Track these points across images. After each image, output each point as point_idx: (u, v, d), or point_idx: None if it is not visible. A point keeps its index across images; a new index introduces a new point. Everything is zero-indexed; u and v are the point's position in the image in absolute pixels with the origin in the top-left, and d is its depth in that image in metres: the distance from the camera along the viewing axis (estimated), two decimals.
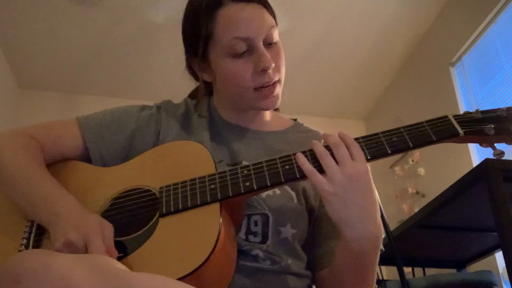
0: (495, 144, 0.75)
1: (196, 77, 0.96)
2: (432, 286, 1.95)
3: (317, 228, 0.89)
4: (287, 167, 0.74)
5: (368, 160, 0.73)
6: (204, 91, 0.98)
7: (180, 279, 0.63)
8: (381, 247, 0.90)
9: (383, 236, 0.85)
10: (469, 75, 3.15)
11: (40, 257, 0.45)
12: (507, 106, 0.76)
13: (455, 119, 0.74)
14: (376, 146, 0.74)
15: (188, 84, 1.02)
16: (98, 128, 0.90)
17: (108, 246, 0.68)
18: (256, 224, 0.82)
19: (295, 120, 1.03)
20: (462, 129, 0.73)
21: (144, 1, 3.09)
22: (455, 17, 3.29)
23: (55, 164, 0.88)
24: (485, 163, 1.53)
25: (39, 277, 0.43)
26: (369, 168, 0.70)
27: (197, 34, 0.87)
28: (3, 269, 0.45)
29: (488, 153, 2.82)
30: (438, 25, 3.50)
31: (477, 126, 0.74)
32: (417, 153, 3.54)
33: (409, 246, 2.24)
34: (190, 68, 0.95)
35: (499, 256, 2.55)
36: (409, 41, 3.71)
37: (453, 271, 2.50)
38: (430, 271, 2.43)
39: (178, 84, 1.01)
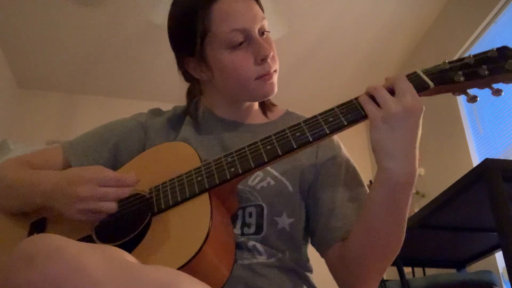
0: (467, 91, 0.77)
1: (188, 78, 0.97)
2: (432, 286, 1.95)
3: (318, 207, 0.88)
4: (268, 147, 0.75)
5: (325, 136, 0.73)
6: (199, 91, 1.00)
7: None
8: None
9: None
10: None
11: (53, 240, 0.47)
12: (498, 88, 0.78)
13: (424, 73, 0.76)
14: (333, 120, 0.73)
15: (188, 84, 1.03)
16: (81, 148, 0.94)
17: (115, 174, 0.73)
18: (250, 215, 0.83)
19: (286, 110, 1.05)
20: (432, 80, 0.74)
21: (145, 1, 3.09)
22: (455, 17, 3.29)
23: None
24: (485, 163, 1.53)
25: (51, 258, 0.44)
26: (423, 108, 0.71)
27: (193, 32, 0.89)
28: (18, 250, 0.47)
29: (488, 153, 2.82)
30: (438, 25, 3.50)
31: (446, 75, 0.75)
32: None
33: (409, 246, 2.22)
34: (184, 69, 0.95)
35: (499, 256, 2.55)
36: (409, 41, 3.71)
37: (453, 271, 2.50)
38: (430, 271, 2.43)
39: (178, 84, 1.01)
